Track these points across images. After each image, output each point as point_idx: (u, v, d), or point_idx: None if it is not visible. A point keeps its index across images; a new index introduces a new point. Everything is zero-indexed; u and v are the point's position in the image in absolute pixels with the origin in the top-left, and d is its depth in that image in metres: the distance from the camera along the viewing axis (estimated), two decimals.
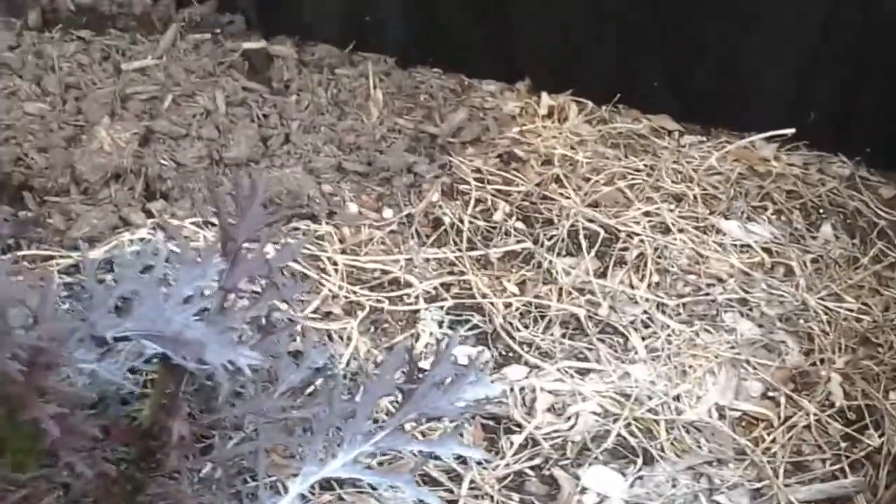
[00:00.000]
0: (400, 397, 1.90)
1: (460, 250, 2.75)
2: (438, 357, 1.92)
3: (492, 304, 2.60)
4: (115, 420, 1.75)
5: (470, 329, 2.54)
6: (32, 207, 2.67)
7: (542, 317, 2.59)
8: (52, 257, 2.51)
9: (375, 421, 1.97)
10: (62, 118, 2.86)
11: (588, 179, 2.99)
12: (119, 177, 2.75)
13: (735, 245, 2.81)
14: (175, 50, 3.09)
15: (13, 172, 2.72)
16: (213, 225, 2.73)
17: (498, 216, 2.85)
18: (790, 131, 3.09)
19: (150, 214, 2.71)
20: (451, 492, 2.16)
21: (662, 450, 2.32)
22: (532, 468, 2.26)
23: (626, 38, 3.13)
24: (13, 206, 2.68)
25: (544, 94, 3.23)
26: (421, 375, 1.89)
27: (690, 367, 2.50)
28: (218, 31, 3.20)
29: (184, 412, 1.72)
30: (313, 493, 2.06)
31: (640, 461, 2.29)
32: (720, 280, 2.72)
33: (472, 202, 2.87)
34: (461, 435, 2.26)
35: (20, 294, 1.60)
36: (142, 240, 2.66)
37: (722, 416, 2.41)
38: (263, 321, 1.81)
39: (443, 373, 1.89)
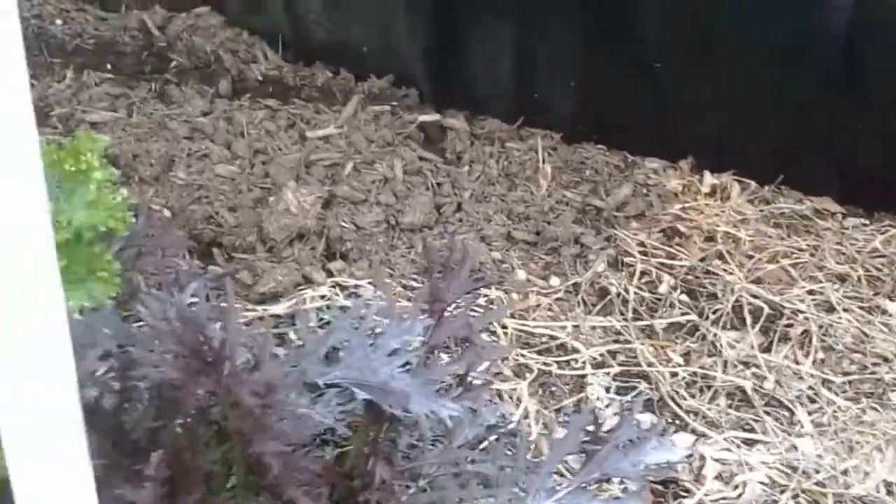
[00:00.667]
0: (583, 457, 1.97)
1: (626, 319, 2.82)
2: (621, 420, 1.99)
3: (658, 372, 2.67)
4: (323, 461, 1.86)
5: (637, 396, 2.61)
6: (221, 263, 2.84)
7: (708, 387, 2.65)
8: (239, 310, 2.67)
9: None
10: (251, 180, 3.04)
11: (751, 257, 3.04)
12: (303, 237, 2.91)
13: None
14: (356, 120, 3.26)
15: (204, 230, 2.90)
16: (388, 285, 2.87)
17: (663, 288, 2.92)
18: None
19: (330, 273, 2.86)
20: None
21: None
22: None
23: (789, 120, 3.20)
24: (203, 261, 2.85)
25: (706, 173, 3.31)
26: (603, 436, 1.97)
27: (857, 443, 2.53)
28: (395, 103, 3.35)
29: (386, 457, 1.82)
30: None
31: None
32: (886, 360, 2.74)
33: (637, 274, 2.96)
34: (640, 497, 2.32)
35: (245, 338, 1.73)
36: (322, 297, 2.82)
37: (890, 493, 2.43)
38: (464, 378, 1.91)
39: (626, 435, 1.97)
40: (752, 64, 3.09)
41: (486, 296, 2.84)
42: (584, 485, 1.98)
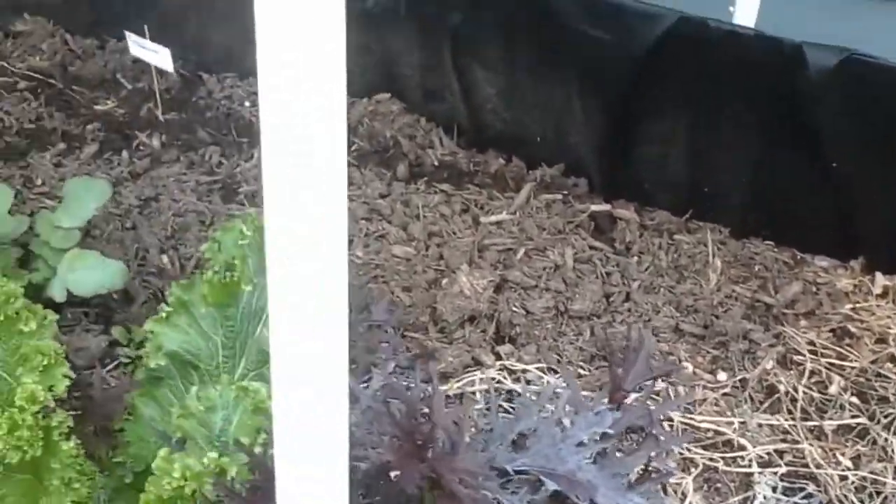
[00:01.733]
0: None
1: (794, 419, 2.82)
2: None
3: (827, 475, 2.66)
4: None
5: (804, 497, 2.60)
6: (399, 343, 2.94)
7: (878, 493, 2.62)
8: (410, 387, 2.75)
9: None
10: (426, 262, 3.14)
11: None
12: (474, 319, 2.99)
13: None
14: (528, 207, 3.34)
15: None
16: (555, 371, 2.93)
17: (833, 389, 2.91)
18: None
19: (498, 356, 2.93)
20: None
21: None
22: None
23: None
24: None
25: (878, 274, 3.28)
26: None
27: None
28: (566, 192, 3.43)
29: None
30: None
31: None
32: None
33: (807, 373, 2.95)
34: None
35: (453, 419, 1.81)
36: (492, 379, 2.89)
37: None
38: (645, 469, 1.94)
39: None
40: None
41: (652, 387, 2.87)
42: None
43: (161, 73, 3.65)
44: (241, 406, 1.76)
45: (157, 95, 3.70)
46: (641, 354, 2.02)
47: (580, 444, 1.85)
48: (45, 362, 1.69)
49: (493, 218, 3.30)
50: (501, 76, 3.45)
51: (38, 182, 3.39)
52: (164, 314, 1.98)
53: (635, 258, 3.23)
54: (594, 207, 3.37)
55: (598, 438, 1.91)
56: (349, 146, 3.63)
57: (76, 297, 2.91)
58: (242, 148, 3.60)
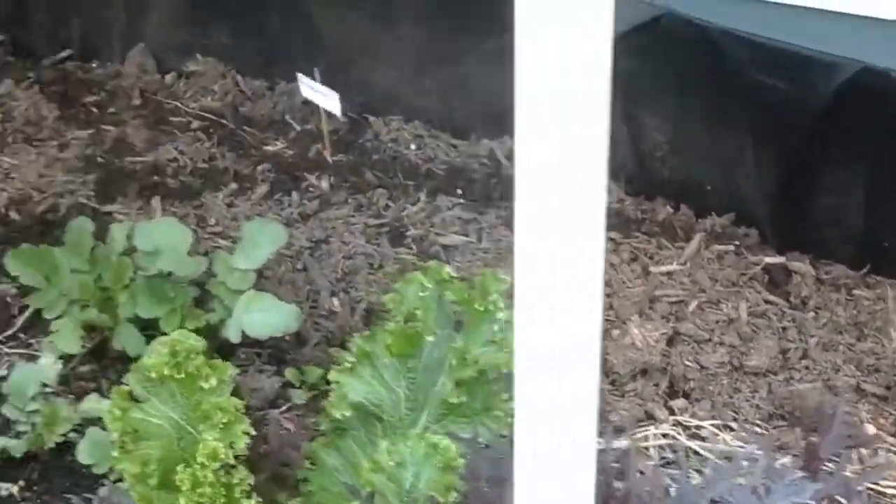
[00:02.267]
0: None
1: None
2: None
3: None
4: None
5: None
6: None
7: None
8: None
9: None
10: None
11: None
12: (646, 372, 2.93)
13: None
14: (699, 258, 3.27)
15: None
16: (731, 429, 2.84)
17: None
18: None
19: (672, 411, 2.87)
20: None
21: None
22: None
23: None
24: None
25: None
26: None
27: None
28: (737, 242, 3.35)
29: None
30: None
31: None
32: None
33: None
34: None
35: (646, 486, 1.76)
36: (664, 435, 2.82)
37: None
38: None
39: None
40: None
41: None
42: None
43: (329, 115, 3.69)
44: (432, 462, 1.74)
45: (326, 137, 3.74)
46: (836, 420, 1.94)
47: None
48: (225, 419, 1.70)
49: (664, 268, 3.24)
50: (671, 124, 3.39)
51: (212, 222, 3.45)
52: (348, 364, 1.98)
53: (811, 314, 3.13)
54: (768, 260, 3.27)
55: None
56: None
57: (250, 337, 2.96)
58: (409, 191, 3.61)
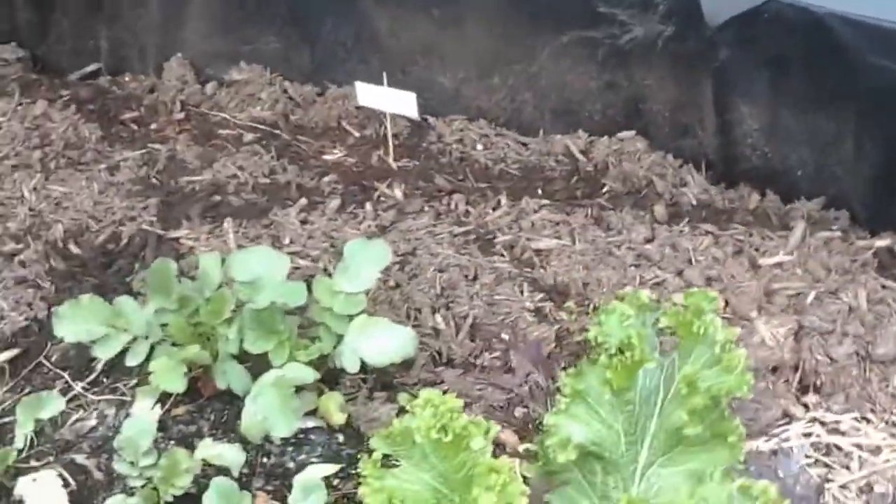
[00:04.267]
0: None
1: None
2: None
3: None
4: None
5: None
6: None
7: None
8: None
9: None
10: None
11: None
12: (776, 369, 2.84)
13: None
14: (805, 246, 3.18)
15: None
16: (869, 421, 2.76)
17: None
18: None
19: (806, 407, 2.78)
20: None
21: None
22: None
23: None
24: None
25: None
26: None
27: None
28: (834, 227, 3.27)
29: None
30: None
31: None
32: None
33: None
34: None
35: None
36: (806, 434, 2.73)
37: None
38: None
39: None
40: None
41: None
42: None
43: (393, 119, 3.54)
44: None
45: (390, 142, 3.59)
46: None
47: None
48: (501, 481, 1.57)
49: (772, 260, 3.14)
50: (766, 110, 3.29)
51: (287, 241, 3.29)
52: (563, 405, 1.85)
53: None
54: (878, 243, 3.19)
55: None
56: (600, 188, 3.49)
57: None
58: (486, 194, 3.48)
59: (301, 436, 2.75)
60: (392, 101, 3.50)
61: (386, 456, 1.76)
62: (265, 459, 2.71)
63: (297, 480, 2.51)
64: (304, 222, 3.37)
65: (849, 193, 3.33)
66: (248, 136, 3.76)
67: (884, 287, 3.06)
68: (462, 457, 1.62)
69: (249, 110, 3.85)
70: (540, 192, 3.48)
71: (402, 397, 2.82)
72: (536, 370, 2.80)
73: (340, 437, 2.76)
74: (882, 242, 3.21)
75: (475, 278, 3.14)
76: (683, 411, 1.78)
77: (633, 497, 1.75)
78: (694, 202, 3.40)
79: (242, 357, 2.81)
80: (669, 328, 1.90)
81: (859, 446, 2.71)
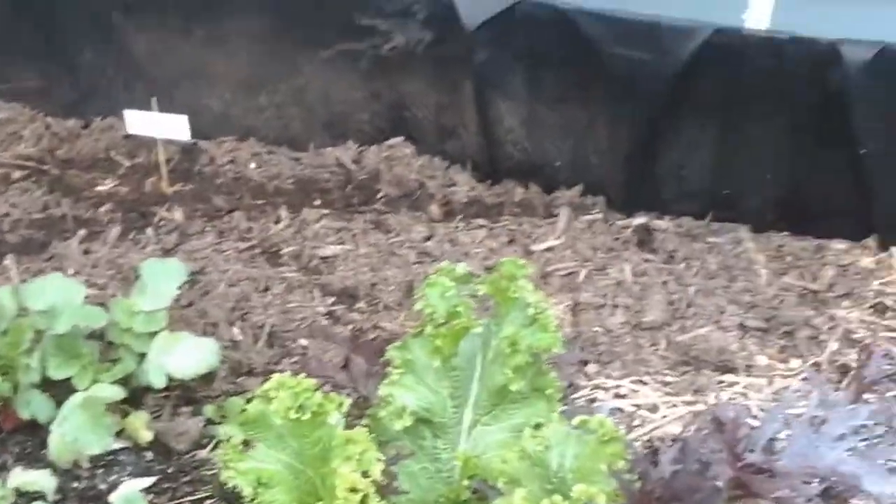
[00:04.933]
0: None
1: None
2: None
3: None
4: None
5: None
6: None
7: None
8: None
9: None
10: None
11: None
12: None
13: None
14: (571, 230, 3.43)
15: None
16: (645, 383, 3.02)
17: None
18: None
19: (588, 376, 3.01)
20: None
21: None
22: None
23: None
24: None
25: (894, 249, 3.51)
26: None
27: None
28: (595, 211, 3.54)
29: None
30: None
31: None
32: None
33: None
34: None
35: None
36: (591, 401, 2.96)
37: None
38: None
39: None
40: None
41: (735, 383, 3.00)
42: None
43: (163, 144, 3.58)
44: (578, 443, 1.74)
45: (163, 168, 3.62)
46: (875, 356, 2.11)
47: (839, 438, 1.94)
48: (360, 450, 1.67)
49: (543, 245, 3.38)
50: (523, 106, 3.53)
51: (71, 272, 3.26)
52: (395, 376, 1.98)
53: (683, 265, 3.36)
54: (636, 222, 3.48)
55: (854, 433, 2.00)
56: (375, 193, 3.64)
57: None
58: (265, 210, 3.57)
59: (110, 457, 2.75)
60: (163, 126, 3.54)
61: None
62: (76, 484, 2.69)
63: (115, 496, 2.53)
64: (86, 252, 3.36)
65: (604, 179, 3.62)
66: (16, 174, 3.70)
67: (645, 261, 3.36)
68: (318, 433, 1.71)
69: (14, 148, 3.79)
70: (318, 203, 3.60)
71: (208, 409, 2.87)
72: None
73: (149, 455, 2.77)
74: (638, 221, 3.51)
75: (266, 289, 3.22)
76: (508, 369, 1.93)
77: (464, 451, 1.89)
78: (465, 199, 3.61)
79: (44, 386, 2.79)
80: (487, 295, 2.05)
81: (639, 406, 2.96)
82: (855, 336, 3.18)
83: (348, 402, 1.74)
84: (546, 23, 3.32)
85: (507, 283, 2.00)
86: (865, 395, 2.05)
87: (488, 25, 3.39)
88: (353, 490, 1.62)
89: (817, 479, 1.91)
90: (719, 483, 1.66)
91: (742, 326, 3.18)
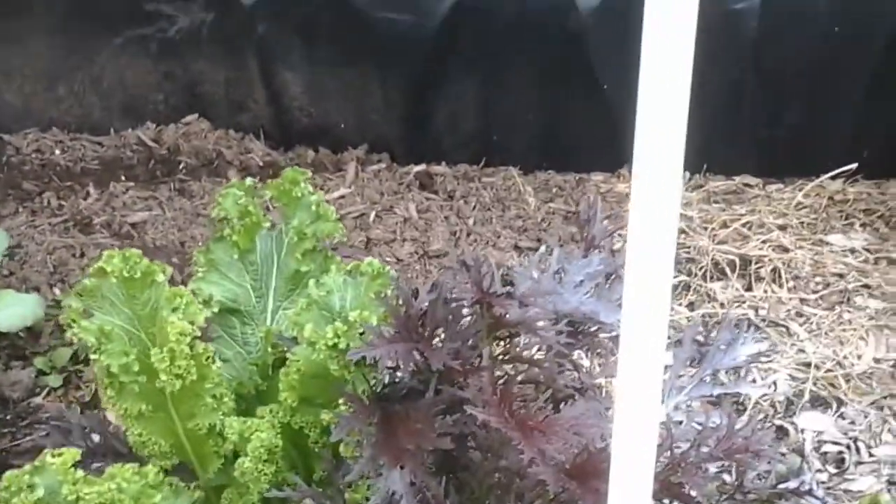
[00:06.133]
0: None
1: None
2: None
3: (674, 321, 3.31)
4: None
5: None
6: None
7: (717, 323, 3.29)
8: None
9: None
10: None
11: (706, 227, 3.74)
12: None
13: (843, 250, 3.58)
14: (359, 180, 3.80)
15: None
16: None
17: None
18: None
19: None
20: None
21: (846, 394, 3.02)
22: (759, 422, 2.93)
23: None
24: None
25: None
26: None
27: (845, 337, 3.23)
28: (381, 163, 3.93)
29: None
30: None
31: (834, 405, 2.99)
32: (842, 276, 3.47)
33: None
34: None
35: None
36: None
37: (878, 363, 3.14)
38: None
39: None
40: None
41: None
42: (702, 379, 2.56)
43: None
44: (353, 286, 2.08)
45: None
46: (597, 217, 2.53)
47: (578, 285, 2.35)
48: (184, 301, 1.98)
49: (336, 194, 3.73)
50: (305, 74, 3.89)
51: None
52: (199, 274, 2.29)
53: (461, 201, 3.77)
54: (416, 168, 3.88)
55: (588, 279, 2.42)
56: (177, 165, 3.93)
57: None
58: (74, 188, 3.81)
59: None
60: None
61: None
62: None
63: None
64: None
65: (386, 136, 4.00)
66: None
67: (427, 199, 3.75)
68: (148, 293, 2.01)
69: None
70: (123, 178, 3.86)
71: (38, 361, 3.11)
72: None
73: None
74: (419, 168, 3.91)
75: (83, 255, 3.47)
76: (298, 254, 2.28)
77: (268, 328, 2.23)
78: (261, 164, 3.93)
79: None
80: (274, 199, 2.39)
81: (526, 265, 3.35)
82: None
83: (170, 270, 2.05)
84: None
85: (291, 186, 2.34)
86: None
87: (263, 1, 3.73)
88: (182, 334, 1.94)
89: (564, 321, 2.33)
90: (465, 305, 2.02)
91: (516, 247, 3.60)
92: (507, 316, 2.12)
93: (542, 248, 3.40)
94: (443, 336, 2.04)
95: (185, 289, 2.02)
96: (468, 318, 2.07)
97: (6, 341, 3.13)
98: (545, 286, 2.33)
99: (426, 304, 2.05)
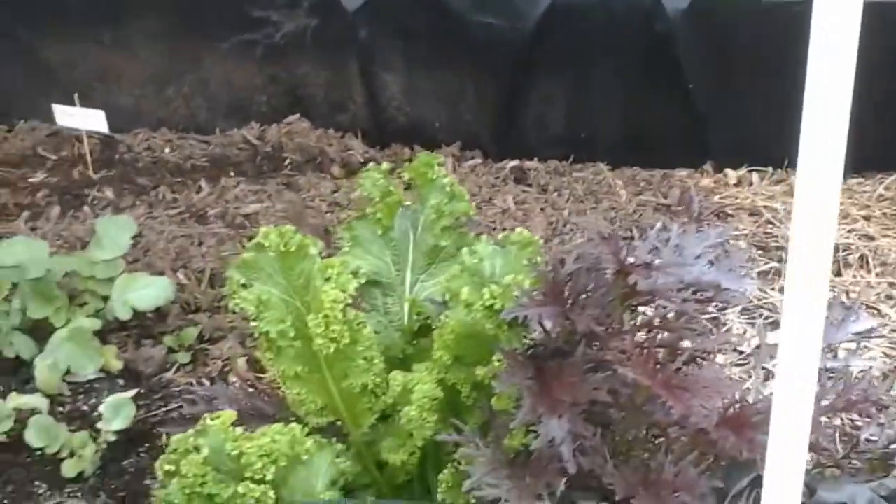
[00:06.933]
0: None
1: None
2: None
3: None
4: None
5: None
6: None
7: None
8: None
9: None
10: None
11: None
12: None
13: None
14: (456, 175, 3.98)
15: None
16: None
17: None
18: None
19: None
20: None
21: None
22: None
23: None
24: None
25: (728, 170, 4.16)
26: None
27: None
28: (475, 159, 4.11)
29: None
30: None
31: None
32: None
33: None
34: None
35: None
36: None
37: None
38: None
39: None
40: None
41: None
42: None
43: (89, 136, 4.00)
44: (503, 254, 2.25)
45: (88, 156, 4.04)
46: (695, 200, 2.70)
47: (698, 256, 2.52)
48: (337, 271, 2.16)
49: None
50: (403, 76, 4.09)
51: None
52: (346, 248, 2.47)
53: (555, 194, 3.94)
54: (511, 163, 4.06)
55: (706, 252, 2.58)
56: (283, 161, 4.13)
57: (114, 322, 3.26)
58: (186, 183, 4.01)
59: (87, 385, 3.16)
60: (84, 119, 3.96)
61: None
62: (61, 408, 3.09)
63: (106, 402, 2.94)
64: (33, 228, 3.75)
65: (479, 135, 4.19)
66: None
67: (524, 192, 3.93)
68: (302, 265, 2.19)
69: None
70: (232, 173, 4.07)
71: (167, 339, 3.31)
72: None
73: (121, 381, 3.19)
74: (513, 163, 4.09)
75: (201, 243, 3.67)
76: (436, 231, 2.46)
77: (412, 297, 2.41)
78: (361, 160, 4.12)
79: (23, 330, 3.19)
80: (410, 180, 2.57)
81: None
82: None
83: (322, 244, 2.23)
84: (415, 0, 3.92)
85: (426, 168, 2.52)
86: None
87: (366, 6, 3.94)
88: (336, 301, 2.12)
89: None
90: (608, 274, 2.19)
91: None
92: (639, 285, 2.29)
93: (659, 224, 3.56)
94: (583, 302, 2.21)
95: (337, 260, 2.20)
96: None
97: (136, 321, 3.33)
98: (673, 258, 2.51)
99: (570, 271, 2.23)
